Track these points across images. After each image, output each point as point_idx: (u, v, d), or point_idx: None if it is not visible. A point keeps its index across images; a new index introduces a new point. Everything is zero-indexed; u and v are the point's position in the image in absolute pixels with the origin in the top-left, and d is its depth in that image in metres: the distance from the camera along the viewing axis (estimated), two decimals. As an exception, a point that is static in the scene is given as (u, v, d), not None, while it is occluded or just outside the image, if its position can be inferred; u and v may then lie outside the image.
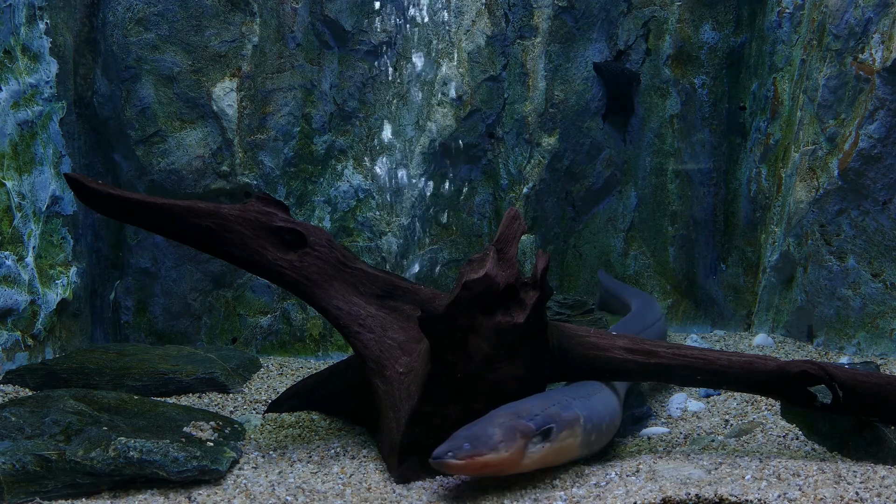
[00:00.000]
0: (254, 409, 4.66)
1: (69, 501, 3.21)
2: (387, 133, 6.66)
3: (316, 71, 6.54)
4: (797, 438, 3.86)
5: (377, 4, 6.62)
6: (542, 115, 6.85)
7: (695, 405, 4.57)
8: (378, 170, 6.64)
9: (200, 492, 3.27)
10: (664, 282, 7.13)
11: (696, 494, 2.84)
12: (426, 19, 6.72)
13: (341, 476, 3.48)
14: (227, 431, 3.85)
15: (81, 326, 6.05)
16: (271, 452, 3.82)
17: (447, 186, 6.73)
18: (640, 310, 5.55)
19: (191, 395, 4.99)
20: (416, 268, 6.62)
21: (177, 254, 6.32)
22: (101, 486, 3.28)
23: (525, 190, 6.81)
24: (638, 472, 3.24)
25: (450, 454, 2.94)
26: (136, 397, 4.15)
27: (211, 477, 3.39)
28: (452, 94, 6.69)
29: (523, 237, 5.01)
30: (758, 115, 6.95)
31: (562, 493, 3.02)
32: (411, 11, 6.71)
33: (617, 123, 7.09)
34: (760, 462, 3.34)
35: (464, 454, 2.94)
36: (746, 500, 2.78)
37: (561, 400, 3.37)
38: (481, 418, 3.16)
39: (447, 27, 6.73)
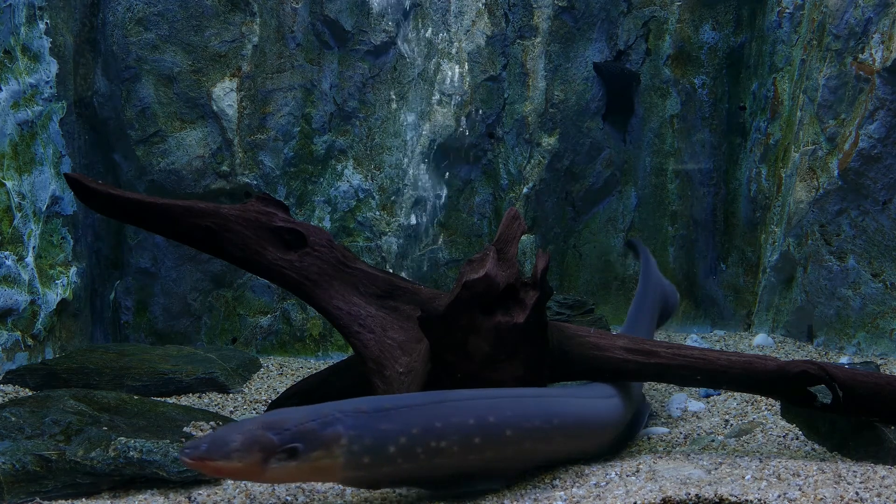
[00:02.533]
0: (254, 410, 4.66)
1: (69, 501, 3.21)
2: (387, 133, 6.66)
3: (316, 71, 6.54)
4: (797, 438, 3.86)
5: (377, 4, 6.62)
6: (542, 115, 6.86)
7: (695, 405, 4.57)
8: (378, 170, 6.64)
9: (200, 492, 3.26)
10: (664, 282, 7.13)
11: (696, 494, 2.84)
12: (426, 19, 6.72)
13: (341, 476, 3.47)
14: (227, 431, 3.84)
15: (81, 326, 6.05)
16: (271, 452, 3.81)
17: (447, 186, 6.73)
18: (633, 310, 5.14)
19: (191, 395, 4.99)
20: (418, 267, 6.62)
21: (177, 254, 6.32)
22: (101, 486, 3.28)
23: (525, 190, 6.81)
24: (638, 472, 3.24)
25: (187, 451, 2.78)
26: (136, 397, 4.15)
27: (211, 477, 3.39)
28: (452, 94, 6.69)
29: (523, 237, 5.01)
30: (758, 115, 6.95)
31: (562, 493, 3.02)
32: (411, 12, 6.71)
33: (617, 123, 7.09)
34: (760, 462, 3.34)
35: (198, 455, 2.76)
36: (746, 500, 2.78)
37: (329, 415, 2.89)
38: (242, 420, 2.99)
39: (447, 27, 6.73)
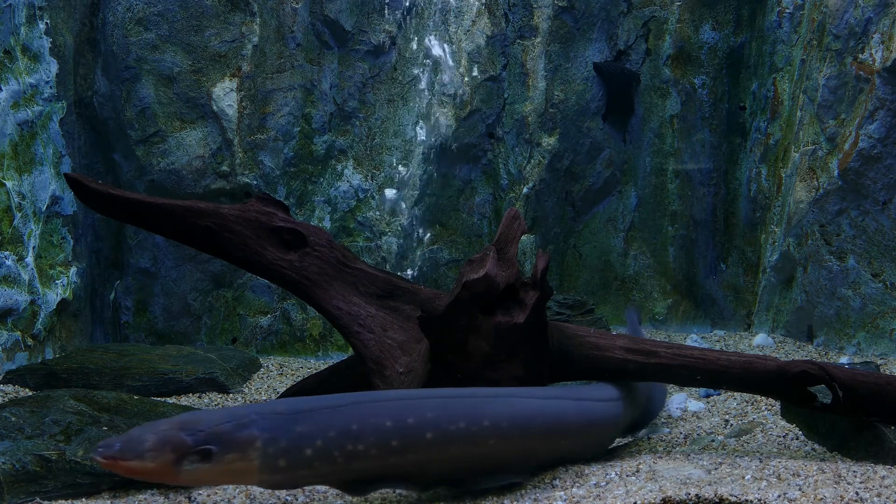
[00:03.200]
0: (254, 409, 4.66)
1: (69, 501, 3.20)
2: (387, 133, 6.66)
3: (316, 71, 6.54)
4: (797, 438, 3.86)
5: (377, 4, 6.62)
6: (542, 115, 6.85)
7: (695, 405, 4.57)
8: (378, 170, 6.64)
9: (200, 491, 3.26)
10: (664, 282, 7.13)
11: (696, 494, 2.84)
12: (426, 19, 6.72)
13: (341, 476, 3.46)
14: (227, 431, 3.84)
15: (81, 326, 6.05)
16: (271, 452, 3.80)
17: (447, 186, 6.72)
18: None
19: (191, 395, 4.99)
20: (418, 267, 6.62)
21: (177, 254, 6.32)
22: (101, 486, 3.28)
23: (525, 190, 6.81)
24: (638, 472, 3.23)
25: (100, 450, 2.73)
26: (136, 397, 4.15)
27: (211, 477, 3.38)
28: (452, 94, 6.69)
29: (523, 237, 5.01)
30: (758, 115, 6.95)
31: (562, 493, 3.02)
32: (411, 11, 6.71)
33: (617, 123, 7.09)
34: (760, 462, 3.34)
35: (110, 454, 2.71)
36: (746, 500, 2.78)
37: (245, 417, 2.81)
38: (160, 420, 2.93)
39: (447, 27, 6.73)
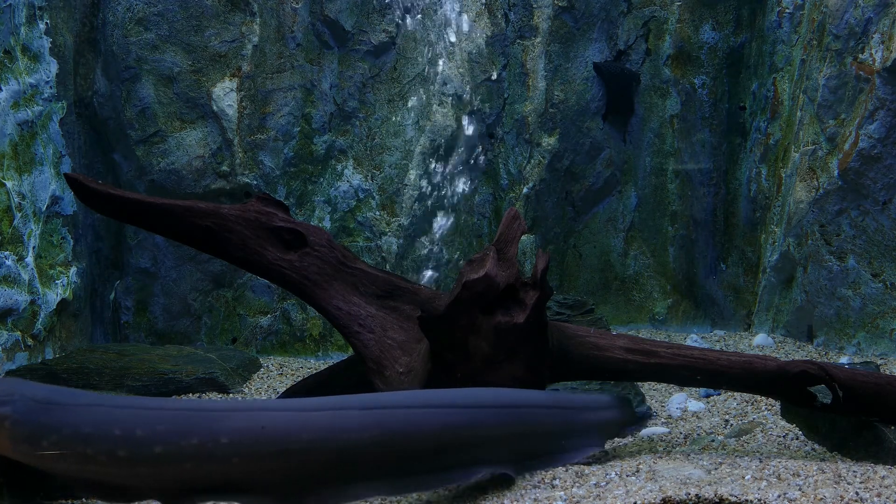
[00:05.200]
0: (254, 409, 4.66)
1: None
2: (387, 133, 6.66)
3: (316, 71, 6.54)
4: (797, 438, 3.86)
5: (377, 4, 6.62)
6: (542, 115, 6.86)
7: (695, 405, 4.57)
8: (378, 170, 6.64)
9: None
10: (664, 282, 7.13)
11: (696, 494, 2.84)
12: (426, 19, 6.72)
13: (341, 476, 3.46)
14: (227, 431, 3.83)
15: (81, 326, 6.05)
16: (271, 452, 3.81)
17: (447, 186, 6.73)
18: None
19: (191, 395, 4.99)
20: (424, 267, 6.62)
21: (177, 254, 6.32)
22: (101, 486, 3.27)
23: (525, 190, 6.81)
24: (638, 472, 3.23)
25: None
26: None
27: (211, 477, 3.38)
28: (452, 94, 6.69)
29: (523, 237, 5.01)
30: (758, 115, 6.95)
31: (562, 493, 3.02)
32: (411, 11, 6.71)
33: (617, 123, 7.09)
34: (760, 462, 3.33)
35: None
36: (746, 500, 2.78)
37: (10, 394, 2.86)
38: None
39: (447, 27, 6.73)
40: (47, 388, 3.02)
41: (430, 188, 6.67)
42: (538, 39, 6.86)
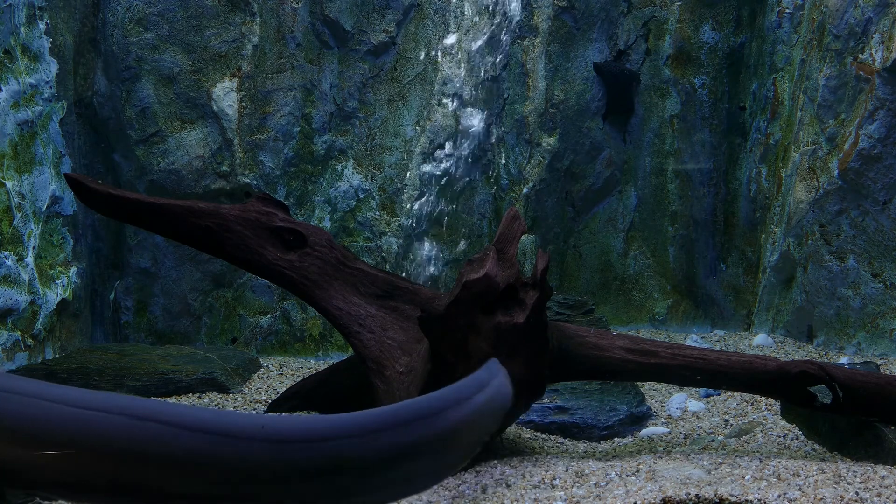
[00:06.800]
0: (254, 409, 4.66)
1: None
2: (387, 133, 6.66)
3: (316, 71, 6.54)
4: (797, 438, 3.86)
5: (377, 4, 6.62)
6: (542, 115, 6.86)
7: (695, 405, 4.57)
8: (378, 170, 6.64)
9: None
10: (664, 282, 7.13)
11: (696, 494, 2.84)
12: (426, 19, 6.72)
13: (341, 476, 3.47)
14: (227, 431, 3.84)
15: (81, 326, 6.05)
16: (271, 452, 3.81)
17: (447, 186, 6.73)
18: None
19: (191, 395, 4.99)
20: (424, 267, 6.62)
21: (177, 254, 6.32)
22: (101, 486, 3.27)
23: (525, 190, 6.81)
24: (638, 472, 3.24)
25: None
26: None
27: (211, 477, 3.38)
28: (452, 94, 6.69)
29: (523, 237, 5.02)
30: (758, 115, 6.95)
31: (562, 493, 3.02)
32: (411, 11, 6.71)
33: (617, 123, 7.09)
34: (760, 462, 3.34)
35: None
36: (746, 500, 2.78)
37: None
38: None
39: (447, 27, 6.73)
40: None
41: (429, 188, 6.67)
42: (538, 39, 6.86)
